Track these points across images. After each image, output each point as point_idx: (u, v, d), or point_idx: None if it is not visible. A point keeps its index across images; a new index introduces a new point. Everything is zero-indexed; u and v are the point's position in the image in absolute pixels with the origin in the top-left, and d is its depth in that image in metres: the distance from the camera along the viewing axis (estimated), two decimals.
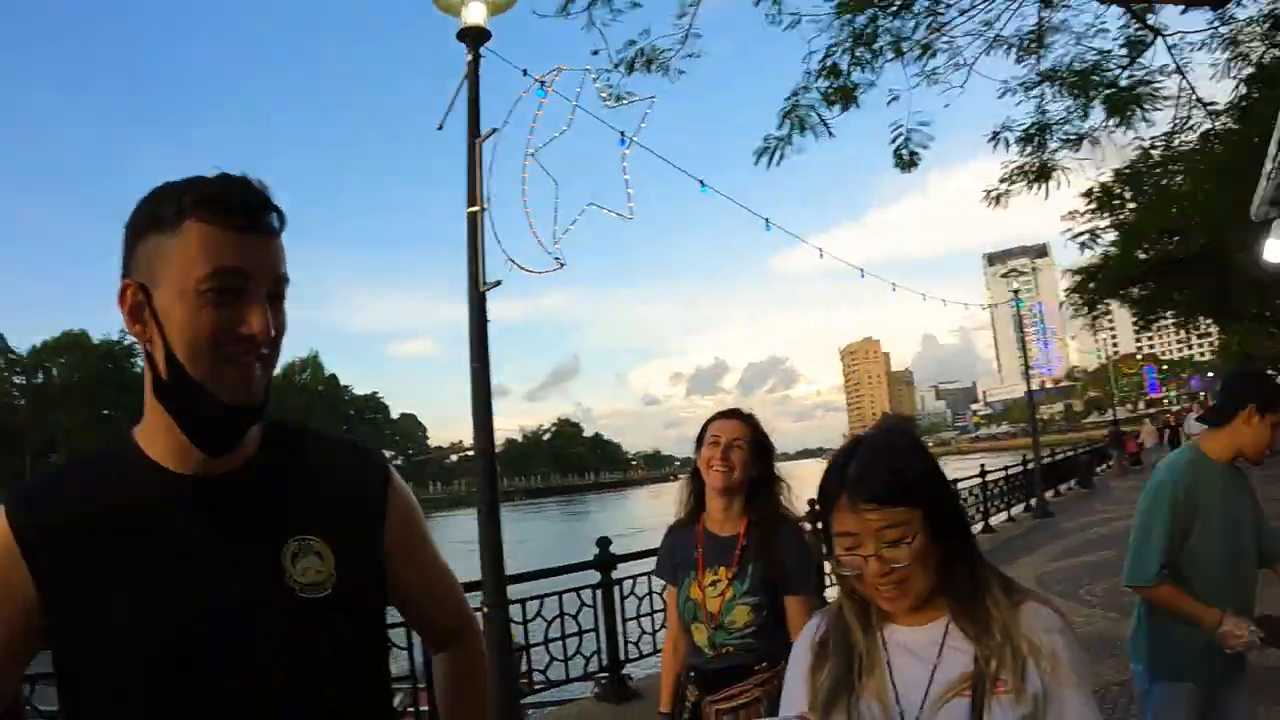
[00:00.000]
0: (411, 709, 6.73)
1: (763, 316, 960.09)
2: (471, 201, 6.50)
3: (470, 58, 6.57)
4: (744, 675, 3.22)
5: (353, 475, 1.64)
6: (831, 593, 2.65)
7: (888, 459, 1.71)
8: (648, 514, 71.68)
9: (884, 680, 1.72)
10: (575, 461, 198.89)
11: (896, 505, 1.65)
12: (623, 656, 8.35)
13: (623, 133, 7.91)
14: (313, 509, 1.53)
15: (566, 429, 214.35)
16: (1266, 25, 20.05)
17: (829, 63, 18.97)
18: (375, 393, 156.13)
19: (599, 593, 8.28)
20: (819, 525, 1.84)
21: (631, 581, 8.50)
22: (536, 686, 7.76)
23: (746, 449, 3.32)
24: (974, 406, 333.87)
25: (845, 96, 19.29)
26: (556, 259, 6.49)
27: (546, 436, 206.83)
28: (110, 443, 1.54)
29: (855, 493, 1.67)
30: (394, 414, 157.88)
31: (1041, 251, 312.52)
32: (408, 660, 6.48)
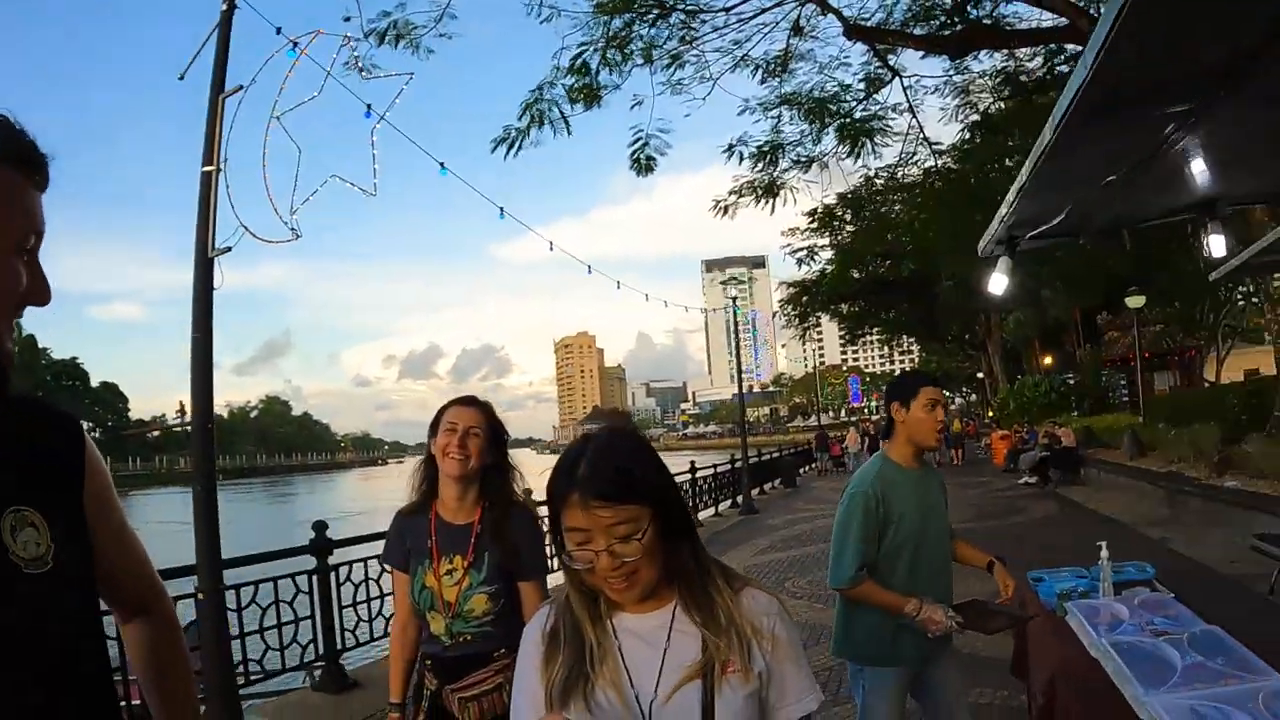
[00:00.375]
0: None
1: (482, 304, 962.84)
2: (208, 160, 6.07)
3: (225, 7, 6.15)
4: (483, 662, 3.18)
5: (52, 439, 1.55)
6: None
7: (616, 458, 1.73)
8: (358, 497, 70.34)
9: (617, 668, 1.75)
10: (282, 441, 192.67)
11: (625, 503, 1.67)
12: (340, 645, 7.94)
13: (369, 105, 7.61)
14: (20, 478, 1.43)
15: (275, 407, 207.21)
16: (997, 79, 21.63)
17: (580, 60, 19.17)
18: (75, 358, 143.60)
19: (315, 579, 7.85)
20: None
21: (348, 568, 8.15)
22: (253, 677, 7.30)
23: (483, 437, 3.25)
24: (683, 406, 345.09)
25: (590, 95, 19.49)
26: (293, 229, 6.15)
27: (254, 414, 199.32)
28: None
29: (585, 491, 1.67)
30: (94, 382, 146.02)
31: (759, 263, 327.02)
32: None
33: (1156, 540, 12.04)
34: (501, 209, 14.39)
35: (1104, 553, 4.54)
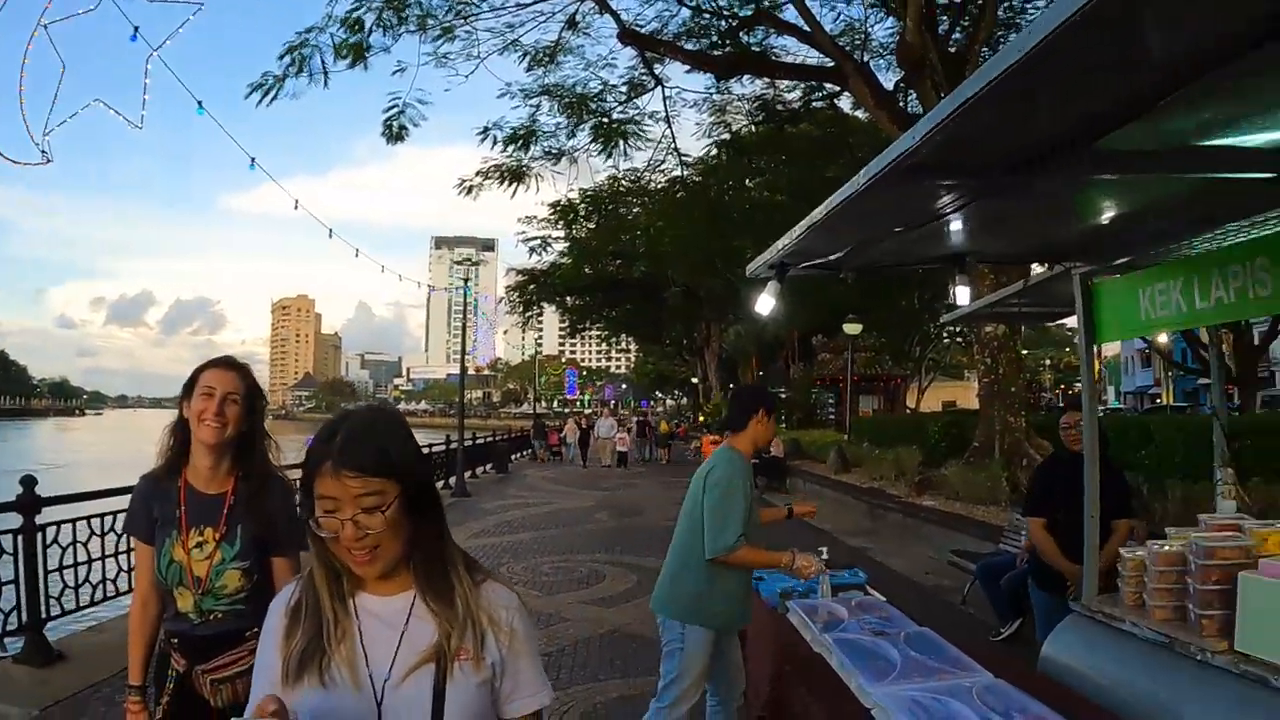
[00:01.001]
0: None
1: (204, 255, 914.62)
2: None
3: None
4: (235, 642, 2.99)
5: None
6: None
7: (373, 433, 1.77)
8: (58, 449, 65.15)
9: (354, 646, 1.77)
10: None
11: (374, 475, 1.70)
12: (45, 613, 7.16)
13: (136, 28, 7.21)
14: None
15: None
16: (755, 105, 22.51)
17: (355, 16, 18.66)
18: None
19: (20, 539, 7.05)
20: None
21: (55, 528, 7.39)
22: None
23: (241, 404, 3.04)
24: (397, 381, 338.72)
25: (358, 53, 19.01)
26: (44, 152, 5.72)
27: None
28: None
29: (339, 460, 1.70)
30: None
31: (490, 246, 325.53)
32: None
33: (858, 549, 12.88)
34: (253, 160, 13.84)
35: (824, 556, 4.93)
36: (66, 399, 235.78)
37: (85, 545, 7.65)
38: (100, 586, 7.81)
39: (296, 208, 16.87)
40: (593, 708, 6.35)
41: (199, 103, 10.76)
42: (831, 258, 5.06)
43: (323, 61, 18.39)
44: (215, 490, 3.05)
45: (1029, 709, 3.18)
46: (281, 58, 18.24)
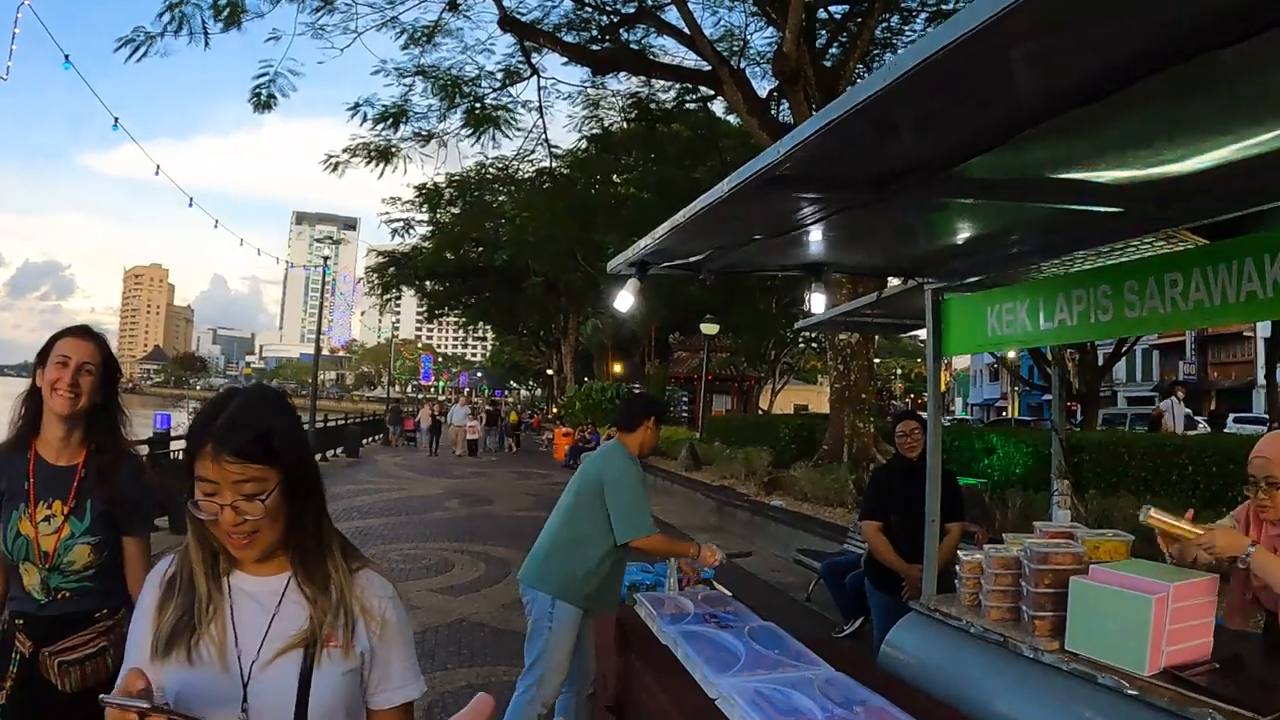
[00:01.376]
0: None
1: (55, 216, 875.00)
2: None
3: None
4: (84, 623, 2.89)
5: None
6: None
7: (255, 417, 1.74)
8: None
9: (224, 625, 1.75)
10: None
11: (256, 462, 1.69)
12: None
13: None
14: None
15: None
16: (628, 101, 22.65)
17: None
18: None
19: None
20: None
21: None
22: None
23: (97, 374, 2.97)
24: (249, 358, 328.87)
25: (233, 15, 18.48)
26: None
27: None
28: None
29: (220, 445, 1.68)
30: None
31: (351, 224, 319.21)
32: None
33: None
34: (116, 120, 13.43)
35: (704, 537, 5.12)
36: None
37: None
38: None
39: (158, 173, 16.36)
40: (440, 697, 6.35)
41: (66, 56, 10.38)
42: (693, 259, 5.17)
43: (203, 21, 17.81)
44: (65, 462, 2.96)
45: (869, 701, 3.32)
46: (161, 15, 17.57)
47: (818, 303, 5.83)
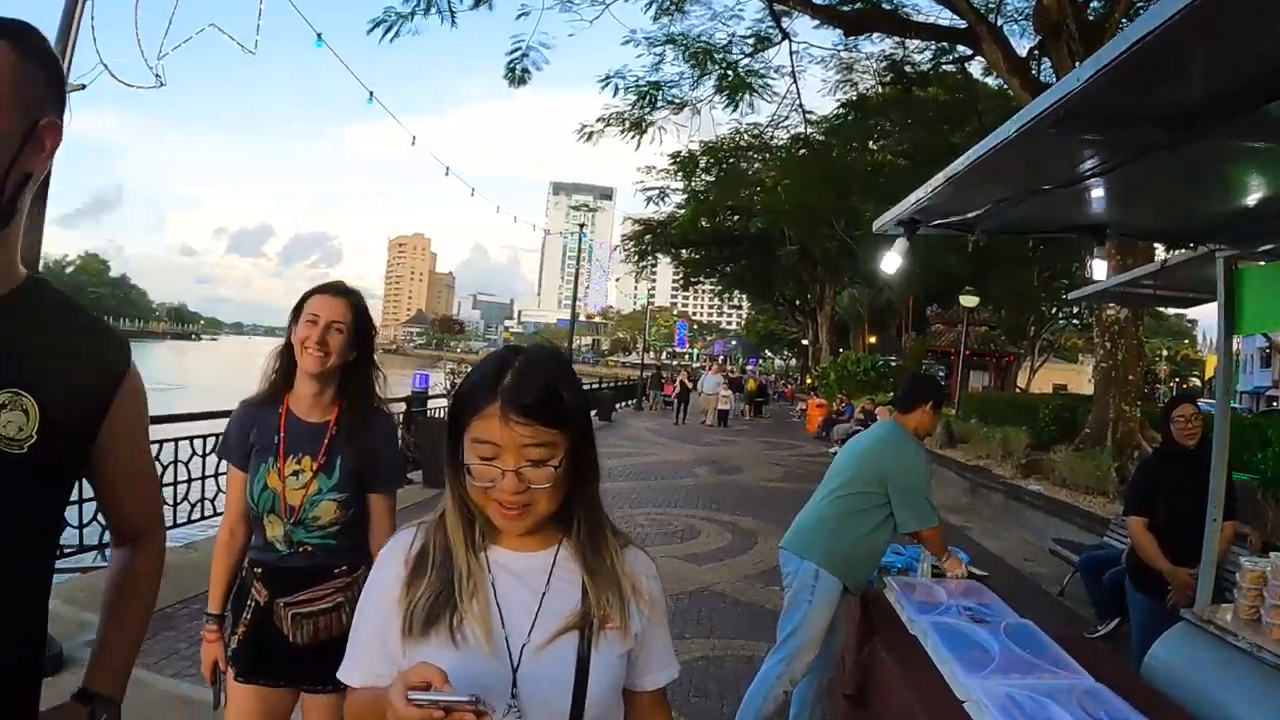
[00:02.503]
0: None
1: (323, 189, 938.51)
2: None
3: None
4: (322, 577, 2.91)
5: (94, 350, 1.64)
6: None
7: (547, 378, 1.60)
8: (170, 371, 67.74)
9: (488, 604, 1.61)
10: (94, 302, 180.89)
11: (549, 425, 1.56)
12: None
13: None
14: (38, 367, 1.51)
15: (93, 264, 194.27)
16: (883, 64, 21.97)
17: None
18: None
19: None
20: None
21: (158, 445, 7.59)
22: None
23: (347, 332, 2.94)
24: (508, 322, 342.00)
25: None
26: (158, 75, 5.73)
27: (69, 270, 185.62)
28: None
29: (509, 403, 1.54)
30: None
31: (607, 194, 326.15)
32: None
33: (957, 528, 12.57)
34: (371, 93, 13.97)
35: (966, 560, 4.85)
36: (183, 324, 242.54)
37: (186, 465, 7.92)
38: (199, 505, 8.11)
39: (414, 143, 17.07)
40: None
41: (318, 35, 10.82)
42: (968, 216, 4.74)
43: (449, 1, 18.33)
44: (317, 418, 2.97)
45: None
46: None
47: (1099, 269, 5.39)
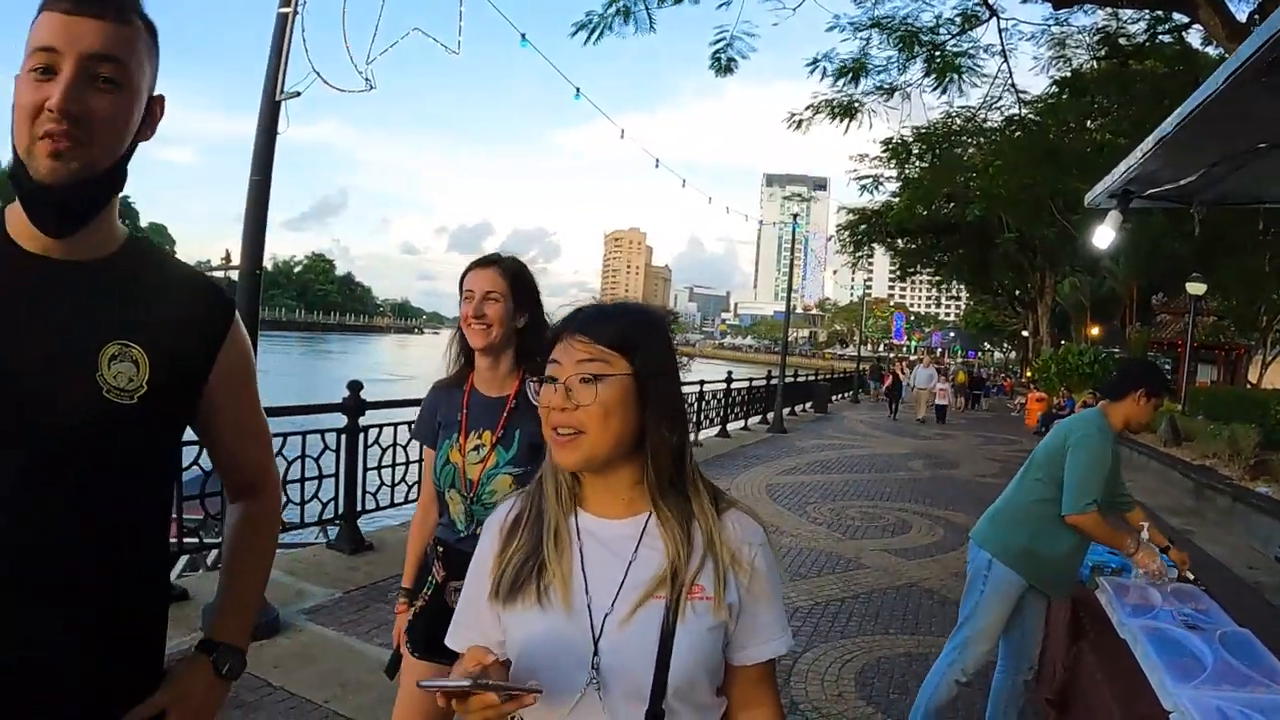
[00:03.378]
0: None
1: (539, 187, 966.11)
2: (285, 1, 5.91)
3: None
4: None
5: (197, 304, 1.69)
6: None
7: (622, 312, 1.68)
8: (394, 363, 71.19)
9: (573, 566, 1.62)
10: (322, 299, 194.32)
11: (604, 344, 1.58)
12: (360, 506, 8.01)
13: None
14: (145, 321, 1.56)
15: (319, 264, 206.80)
16: (1096, 37, 20.96)
17: None
18: (126, 196, 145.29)
19: (343, 438, 7.86)
20: None
21: (377, 430, 8.21)
22: None
23: (503, 300, 2.89)
24: (724, 315, 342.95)
25: None
26: (367, 80, 6.03)
27: (298, 269, 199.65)
28: None
29: (572, 323, 1.63)
30: (143, 222, 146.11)
31: (821, 185, 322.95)
32: None
33: (1178, 530, 11.88)
34: (578, 89, 14.25)
35: (1144, 534, 4.57)
36: (407, 318, 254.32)
37: (405, 448, 8.44)
38: (414, 488, 8.54)
39: (623, 137, 17.23)
40: (875, 662, 6.23)
41: (523, 35, 11.12)
42: (1183, 182, 4.43)
43: (646, 6, 18.47)
44: (497, 392, 2.97)
45: None
46: (607, 7, 18.45)
47: None
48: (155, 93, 1.57)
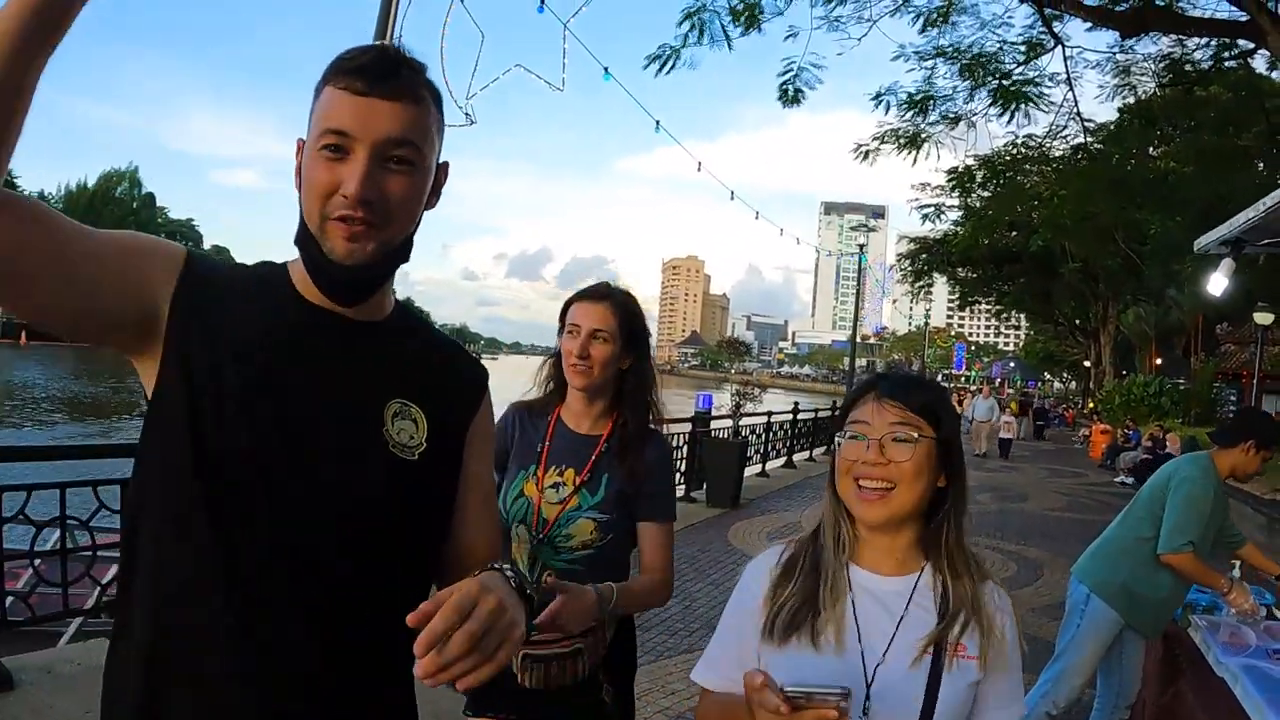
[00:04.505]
0: None
1: (598, 215, 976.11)
2: (380, 34, 6.01)
3: None
4: None
5: (459, 368, 1.74)
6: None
7: (923, 383, 1.81)
8: None
9: (846, 615, 1.69)
10: None
11: (916, 411, 1.70)
12: None
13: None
14: (420, 381, 1.60)
15: None
16: (1161, 65, 20.72)
17: None
18: (191, 219, 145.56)
19: None
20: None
21: None
22: None
23: (612, 342, 2.63)
24: (781, 344, 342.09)
25: (751, 16, 19.10)
26: (467, 114, 6.12)
27: None
28: (270, 264, 1.63)
29: (883, 388, 1.74)
30: (206, 244, 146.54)
31: (880, 213, 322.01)
32: None
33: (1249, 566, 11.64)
34: (658, 122, 14.41)
35: (1235, 572, 4.53)
36: (465, 343, 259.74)
37: None
38: None
39: (699, 169, 17.41)
40: None
41: (605, 69, 11.30)
42: None
43: (723, 26, 18.60)
44: (587, 430, 2.73)
45: None
46: (680, 24, 18.61)
47: None
48: (444, 159, 1.59)
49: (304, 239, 1.45)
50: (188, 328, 1.39)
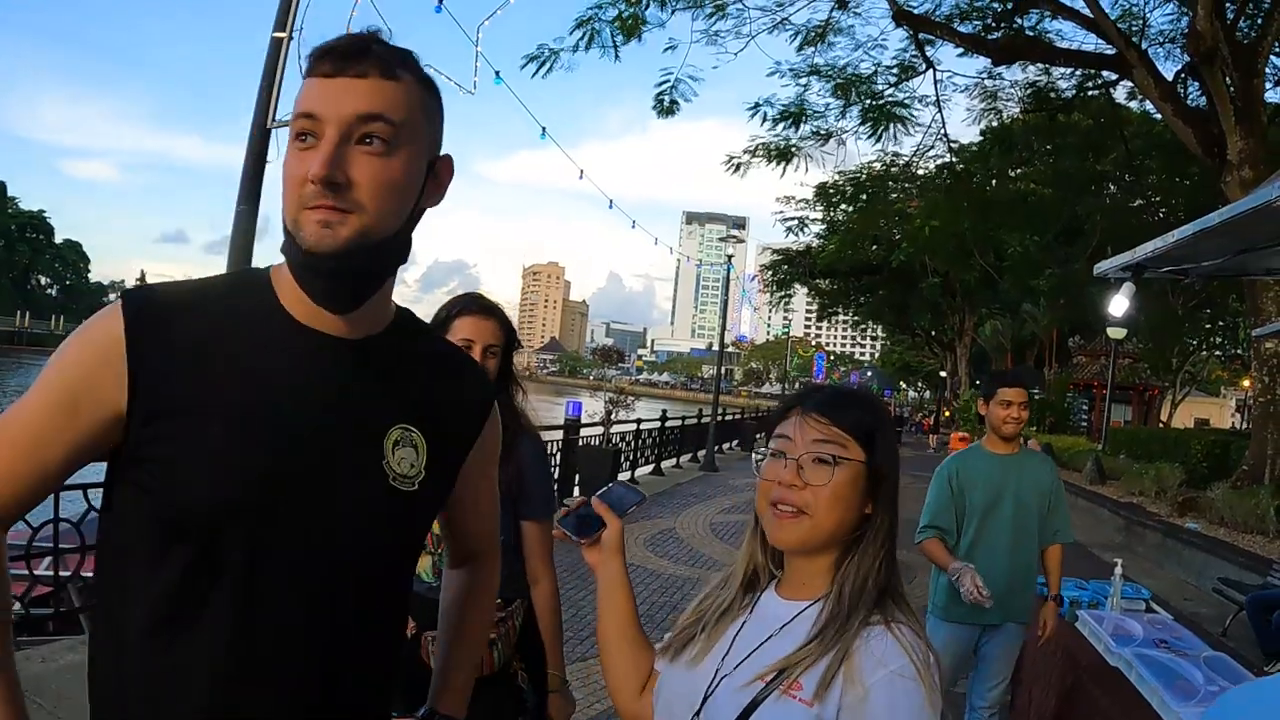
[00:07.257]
0: None
1: (460, 219, 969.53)
2: (280, 25, 5.93)
3: None
4: None
5: (466, 385, 1.66)
6: None
7: (856, 399, 1.64)
8: None
9: (726, 634, 1.64)
10: None
11: (841, 428, 1.56)
12: None
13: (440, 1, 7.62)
14: (421, 403, 1.52)
15: None
16: (1027, 92, 21.65)
17: None
18: (42, 211, 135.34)
19: None
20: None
21: None
22: None
23: (500, 355, 2.72)
24: (640, 351, 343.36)
25: (633, 28, 19.33)
26: None
27: None
28: (246, 276, 1.50)
29: (808, 403, 1.60)
30: (58, 238, 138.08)
31: (741, 224, 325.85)
32: None
33: (1109, 565, 12.25)
34: (544, 129, 14.38)
35: (1118, 570, 4.87)
36: None
37: None
38: None
39: (581, 177, 17.43)
40: None
41: (497, 73, 11.33)
42: (1205, 264, 4.76)
43: (612, 35, 18.81)
44: None
45: None
46: (573, 31, 18.76)
47: None
48: (441, 153, 1.49)
49: (285, 239, 1.35)
50: (154, 392, 1.31)
